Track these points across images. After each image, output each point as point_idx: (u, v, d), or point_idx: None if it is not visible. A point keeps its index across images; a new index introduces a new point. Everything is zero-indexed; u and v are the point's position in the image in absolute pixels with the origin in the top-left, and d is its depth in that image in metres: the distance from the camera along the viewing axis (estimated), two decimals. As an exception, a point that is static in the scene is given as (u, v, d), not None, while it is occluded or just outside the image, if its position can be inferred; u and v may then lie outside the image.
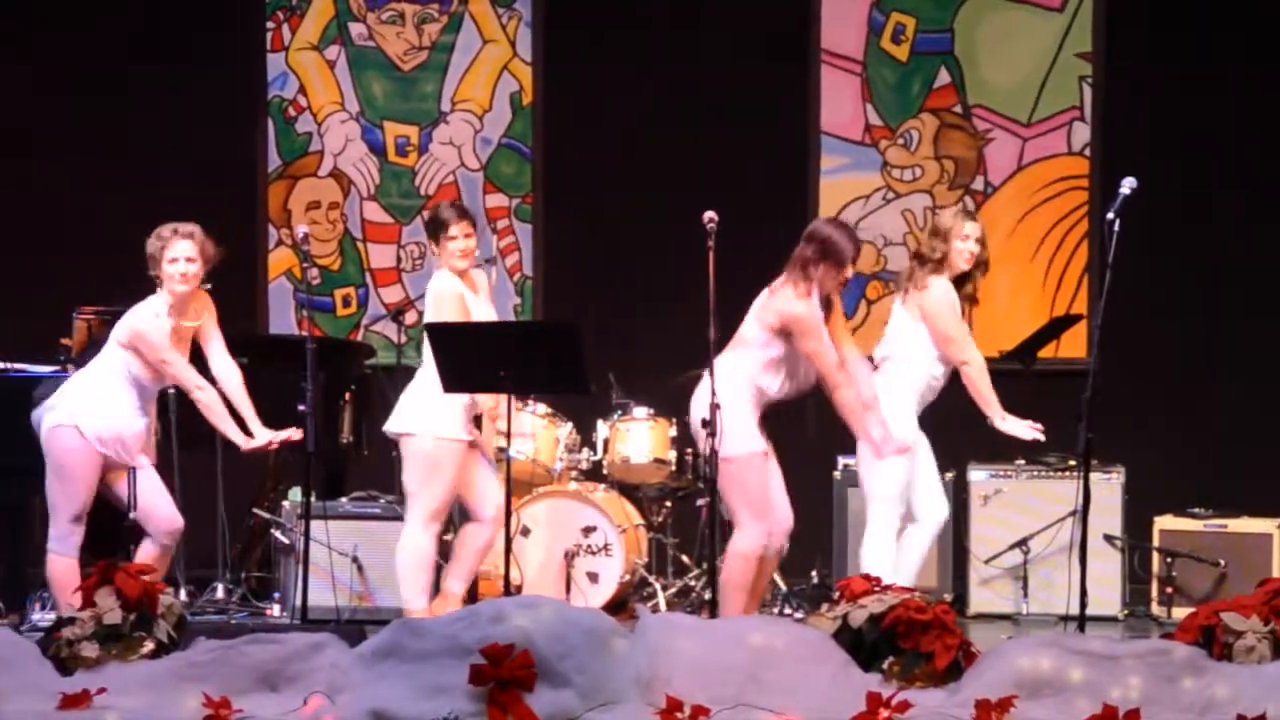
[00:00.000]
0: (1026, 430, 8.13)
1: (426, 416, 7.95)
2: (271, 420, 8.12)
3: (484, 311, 8.17)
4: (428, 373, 7.95)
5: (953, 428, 8.32)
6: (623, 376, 9.49)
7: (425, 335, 7.87)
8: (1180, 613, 8.55)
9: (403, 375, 8.59)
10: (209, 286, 8.04)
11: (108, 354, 7.95)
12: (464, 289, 8.09)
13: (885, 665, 6.46)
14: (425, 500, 7.97)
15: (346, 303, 10.80)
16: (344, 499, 9.28)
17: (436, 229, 8.13)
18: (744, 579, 7.83)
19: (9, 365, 8.81)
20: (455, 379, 7.62)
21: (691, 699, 6.08)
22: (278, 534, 9.14)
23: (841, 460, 9.46)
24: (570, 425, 9.48)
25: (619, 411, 9.44)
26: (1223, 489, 9.53)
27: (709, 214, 7.71)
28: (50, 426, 7.85)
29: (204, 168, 10.42)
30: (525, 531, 9.04)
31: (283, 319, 10.78)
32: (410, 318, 9.86)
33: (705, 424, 7.62)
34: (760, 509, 7.82)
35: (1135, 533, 9.33)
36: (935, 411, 8.25)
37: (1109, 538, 9.18)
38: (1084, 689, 6.19)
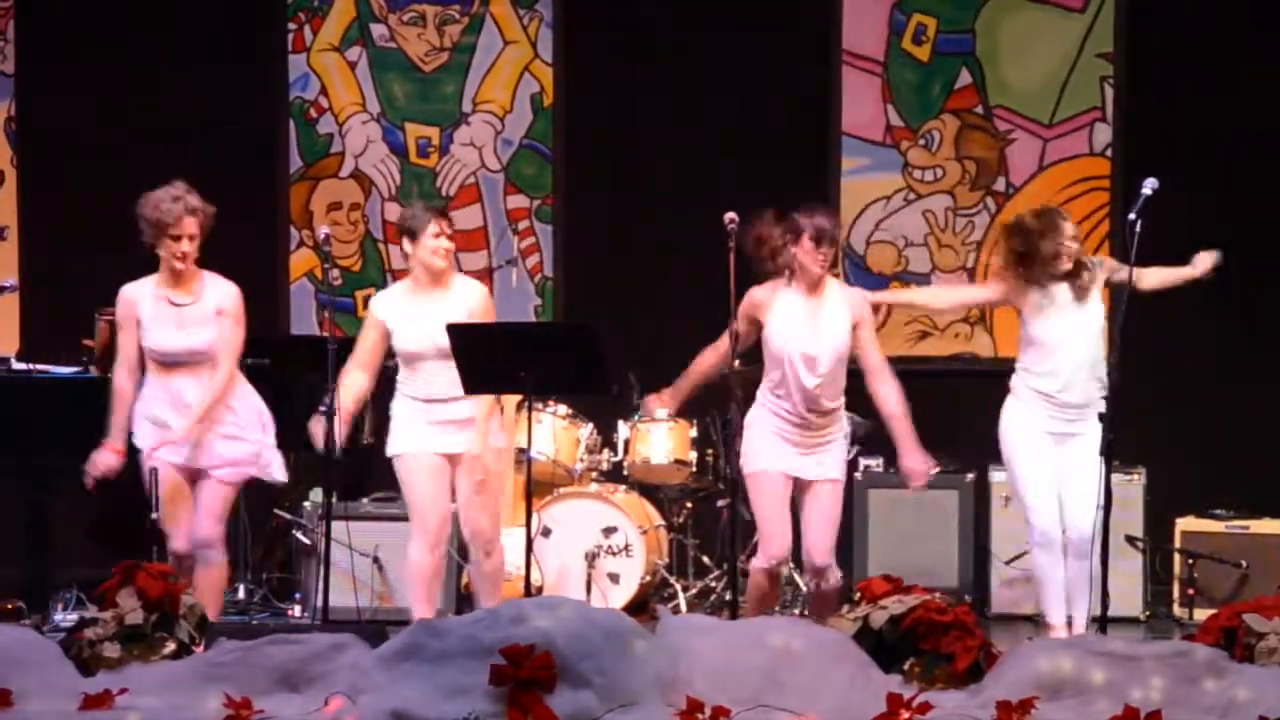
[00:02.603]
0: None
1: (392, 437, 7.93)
2: (294, 421, 8.13)
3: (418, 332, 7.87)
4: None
5: (973, 428, 8.30)
6: (643, 377, 9.49)
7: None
8: (1201, 614, 8.54)
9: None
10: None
11: None
12: (388, 314, 7.91)
13: (906, 666, 6.45)
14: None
15: (368, 303, 10.81)
16: (365, 500, 9.30)
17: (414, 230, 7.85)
18: None
19: (32, 366, 8.84)
20: (475, 380, 7.62)
21: (712, 700, 6.08)
22: (299, 535, 9.17)
23: (862, 461, 9.46)
24: (591, 426, 9.49)
25: (639, 412, 9.45)
26: (1244, 490, 9.52)
27: (730, 215, 7.71)
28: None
29: (225, 168, 10.44)
30: (546, 532, 9.06)
31: (304, 320, 10.80)
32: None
33: None
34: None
35: (1156, 534, 9.32)
36: (954, 412, 8.25)
37: (1130, 539, 9.18)
38: (1105, 690, 6.17)
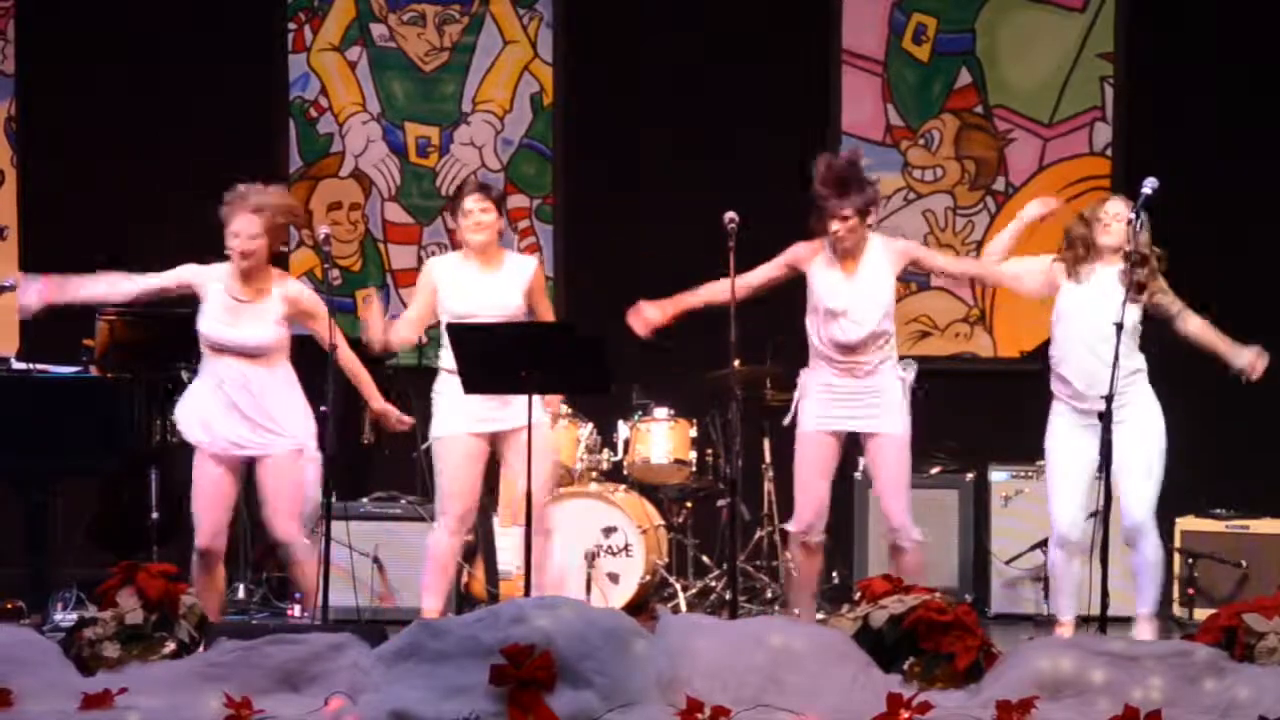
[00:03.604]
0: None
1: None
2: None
3: (477, 299, 7.91)
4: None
5: (973, 428, 8.30)
6: (643, 377, 9.49)
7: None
8: (1202, 614, 8.54)
9: (424, 375, 8.58)
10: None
11: None
12: (440, 274, 7.96)
13: (906, 666, 6.45)
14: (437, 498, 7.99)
15: (368, 303, 10.79)
16: (365, 499, 9.30)
17: (454, 202, 8.01)
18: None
19: (32, 366, 8.84)
20: (475, 379, 7.62)
21: (711, 700, 6.08)
22: (299, 534, 9.16)
23: (862, 461, 9.45)
24: (591, 426, 9.49)
25: (639, 412, 9.45)
26: (1244, 490, 9.51)
27: (730, 214, 7.72)
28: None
29: (226, 168, 10.41)
30: (546, 532, 9.05)
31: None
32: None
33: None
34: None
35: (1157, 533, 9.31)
36: (954, 412, 8.24)
37: (1131, 539, 9.16)
38: (1105, 690, 6.18)
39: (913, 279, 10.47)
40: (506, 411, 7.78)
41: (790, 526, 7.99)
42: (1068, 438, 7.77)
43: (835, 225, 7.76)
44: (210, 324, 7.72)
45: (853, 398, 7.80)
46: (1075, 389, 7.73)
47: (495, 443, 7.90)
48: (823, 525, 7.93)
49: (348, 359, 7.84)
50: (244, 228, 7.71)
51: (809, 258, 7.88)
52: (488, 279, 7.87)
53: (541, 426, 7.79)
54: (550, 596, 7.44)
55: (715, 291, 7.89)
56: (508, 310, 7.83)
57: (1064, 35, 10.41)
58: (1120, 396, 7.54)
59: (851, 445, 8.03)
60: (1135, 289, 7.70)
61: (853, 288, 7.77)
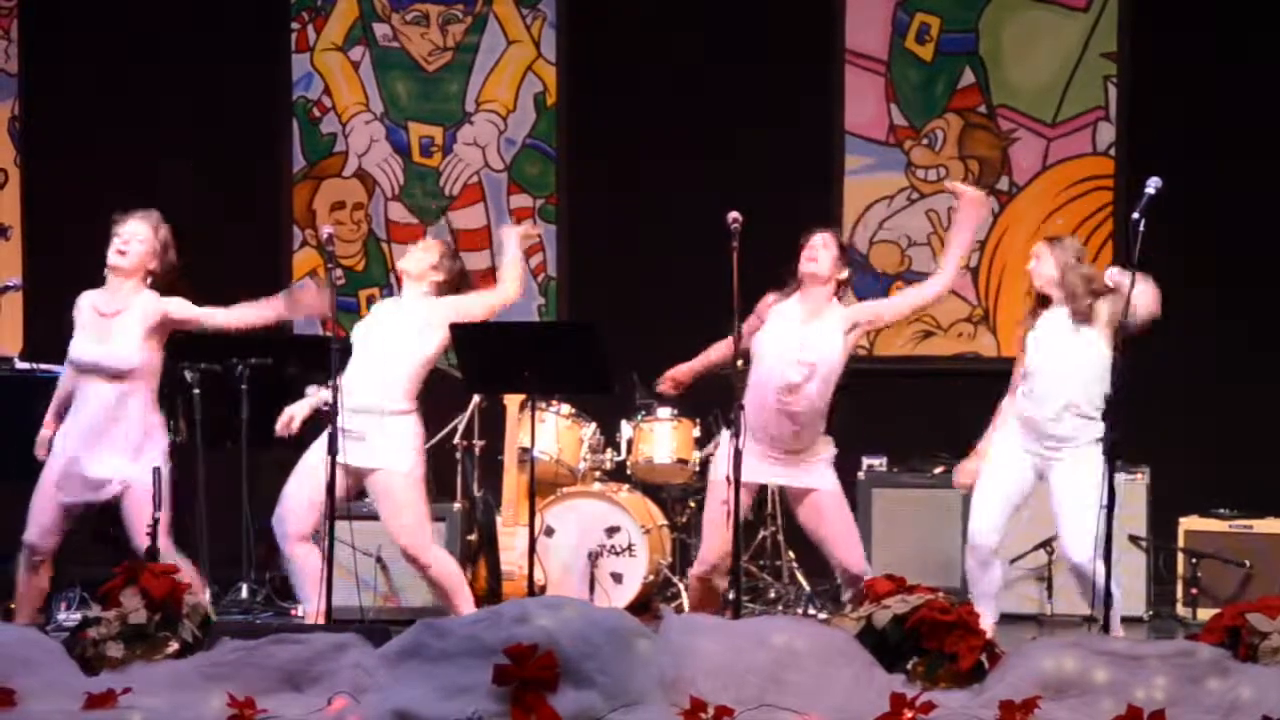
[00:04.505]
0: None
1: None
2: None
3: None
4: None
5: (976, 428, 8.29)
6: (646, 377, 9.49)
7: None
8: (1205, 614, 8.53)
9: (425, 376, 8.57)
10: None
11: None
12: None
13: (909, 666, 6.44)
14: None
15: (371, 303, 10.81)
16: (368, 499, 9.28)
17: None
18: None
19: (35, 366, 8.84)
20: (478, 379, 7.61)
21: (715, 699, 6.07)
22: (302, 534, 9.15)
23: (865, 461, 9.46)
24: (594, 425, 9.49)
25: (642, 412, 9.45)
26: (1248, 489, 9.51)
27: (733, 214, 7.71)
28: None
29: (229, 168, 10.46)
30: (549, 532, 9.06)
31: (307, 320, 10.79)
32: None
33: None
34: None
35: (1160, 533, 9.32)
36: (956, 412, 8.23)
37: (1134, 538, 9.17)
38: (1108, 690, 6.17)
39: (915, 279, 10.47)
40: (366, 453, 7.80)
41: (693, 568, 8.04)
42: (1013, 450, 7.77)
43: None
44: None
45: (780, 456, 7.77)
46: (1030, 418, 7.72)
47: (358, 477, 7.92)
48: (726, 568, 7.80)
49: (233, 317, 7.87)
50: (130, 231, 7.97)
51: (772, 304, 7.88)
52: None
53: (398, 475, 7.83)
54: (554, 596, 7.45)
55: (716, 355, 7.96)
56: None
57: (1067, 35, 10.41)
58: (1070, 439, 7.62)
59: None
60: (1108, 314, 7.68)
61: (805, 330, 7.76)
